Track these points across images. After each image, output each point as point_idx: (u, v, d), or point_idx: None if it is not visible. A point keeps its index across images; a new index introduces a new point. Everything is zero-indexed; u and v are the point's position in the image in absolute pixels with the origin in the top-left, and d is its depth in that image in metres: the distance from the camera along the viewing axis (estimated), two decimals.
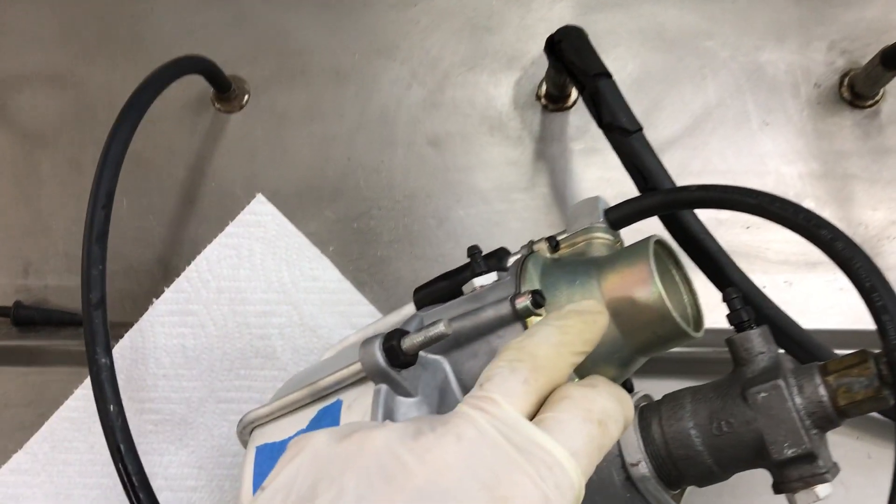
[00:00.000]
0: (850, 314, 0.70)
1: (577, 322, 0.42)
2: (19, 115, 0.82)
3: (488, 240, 0.75)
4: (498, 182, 0.76)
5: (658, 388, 0.61)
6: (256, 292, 0.71)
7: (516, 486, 0.34)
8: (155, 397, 0.72)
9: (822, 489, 0.44)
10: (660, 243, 0.50)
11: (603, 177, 0.75)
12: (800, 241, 0.73)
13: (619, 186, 0.74)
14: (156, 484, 0.71)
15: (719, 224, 0.73)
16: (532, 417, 0.38)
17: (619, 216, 0.55)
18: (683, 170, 0.74)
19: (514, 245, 0.75)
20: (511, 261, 0.58)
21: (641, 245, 0.49)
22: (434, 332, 0.46)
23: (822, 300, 0.71)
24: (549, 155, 0.76)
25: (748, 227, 0.73)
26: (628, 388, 0.55)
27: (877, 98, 0.74)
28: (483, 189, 0.76)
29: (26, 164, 0.80)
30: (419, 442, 0.36)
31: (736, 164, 0.74)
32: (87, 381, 0.72)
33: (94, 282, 0.57)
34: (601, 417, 0.37)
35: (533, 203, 0.75)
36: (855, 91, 0.74)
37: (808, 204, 0.73)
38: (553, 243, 0.54)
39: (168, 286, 0.73)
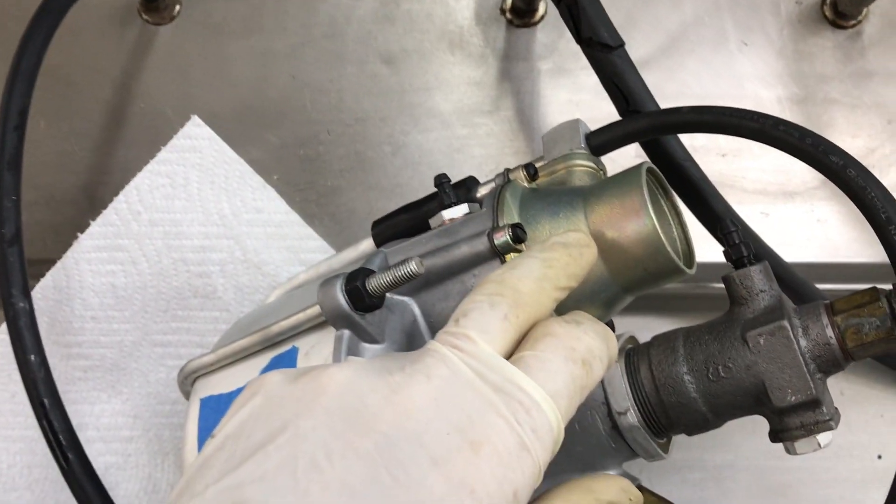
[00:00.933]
0: (828, 246, 0.67)
1: (562, 255, 0.38)
2: None
3: (449, 168, 0.69)
4: (459, 104, 0.70)
5: (638, 326, 0.58)
6: (193, 225, 0.65)
7: (491, 428, 0.31)
8: (83, 341, 0.66)
9: (823, 437, 0.41)
10: (650, 171, 0.45)
11: (573, 99, 0.70)
12: (777, 170, 0.70)
13: (590, 110, 0.69)
14: (87, 435, 0.66)
15: (693, 151, 0.68)
16: (510, 356, 0.35)
17: (603, 141, 0.50)
18: (658, 92, 0.68)
19: (477, 174, 0.69)
20: (482, 191, 0.53)
21: (632, 173, 0.44)
22: (404, 272, 0.41)
23: (799, 232, 0.68)
24: (514, 75, 0.70)
25: (724, 155, 0.69)
26: (610, 328, 0.50)
27: (860, 18, 0.70)
28: (443, 112, 0.70)
29: None
30: (385, 381, 0.32)
31: (712, 86, 0.70)
32: (5, 326, 0.64)
33: (8, 214, 0.50)
34: (585, 356, 0.35)
35: (497, 128, 0.70)
36: (838, 10, 0.70)
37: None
38: (531, 171, 0.49)
39: (94, 218, 0.66)
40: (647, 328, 0.63)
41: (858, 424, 0.66)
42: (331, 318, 0.42)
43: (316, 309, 0.44)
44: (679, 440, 0.47)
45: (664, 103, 0.68)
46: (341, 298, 0.42)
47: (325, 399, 0.32)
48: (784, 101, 0.70)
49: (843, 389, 0.67)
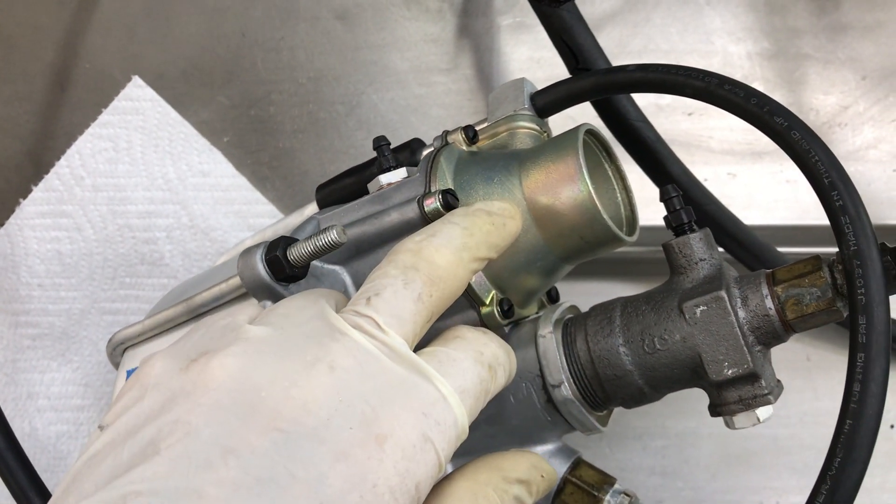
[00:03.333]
0: (796, 208, 0.65)
1: (484, 223, 0.37)
2: None
3: (405, 129, 0.67)
4: (415, 62, 0.67)
5: (587, 291, 0.56)
6: (138, 190, 0.63)
7: (396, 421, 0.30)
8: (31, 309, 0.64)
9: (763, 411, 0.39)
10: (591, 133, 0.43)
11: (533, 56, 0.67)
12: (745, 130, 0.67)
13: (551, 68, 0.66)
14: (38, 404, 0.65)
15: (659, 110, 0.66)
16: (418, 340, 0.34)
17: (547, 102, 0.47)
18: (622, 49, 0.67)
19: (434, 134, 0.67)
20: (424, 152, 0.51)
21: (569, 135, 0.42)
22: (325, 241, 0.39)
23: (767, 193, 0.66)
24: (473, 31, 0.67)
25: (690, 114, 0.67)
26: (553, 297, 0.49)
27: None
28: (399, 70, 0.67)
29: None
30: (283, 370, 0.31)
31: (679, 42, 0.67)
32: None
33: None
34: (492, 362, 0.35)
35: (455, 86, 0.67)
36: None
37: (758, 86, 0.66)
38: (470, 134, 0.46)
39: (38, 185, 0.64)
40: (596, 293, 0.61)
41: (825, 391, 0.65)
42: (252, 289, 0.41)
43: (237, 279, 0.42)
44: (642, 407, 0.46)
45: (628, 59, 0.66)
46: (261, 269, 0.40)
47: (217, 393, 0.30)
48: (754, 57, 0.67)
49: (809, 355, 0.65)
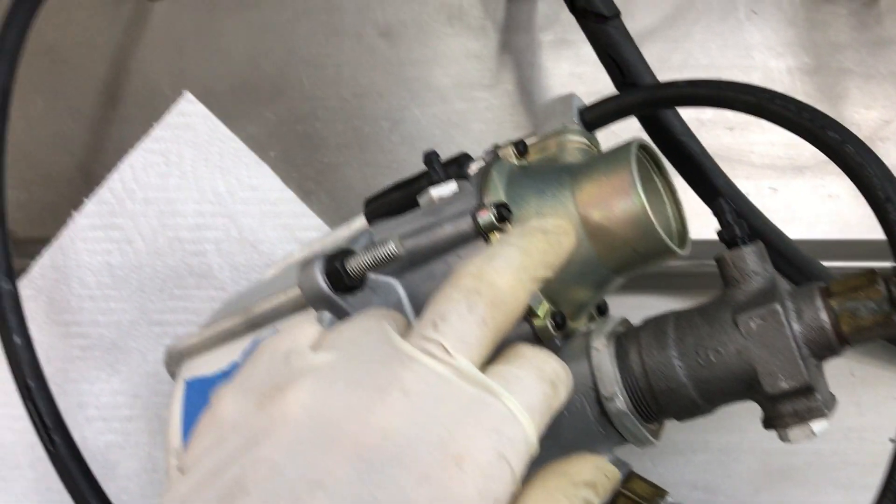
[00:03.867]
0: (839, 223, 0.65)
1: (541, 242, 0.38)
2: None
3: (447, 143, 0.68)
4: (458, 78, 0.68)
5: (634, 305, 0.56)
6: (188, 203, 0.64)
7: (471, 441, 0.31)
8: (81, 320, 0.66)
9: (817, 424, 0.39)
10: (643, 147, 0.44)
11: (575, 72, 0.68)
12: (787, 144, 0.68)
13: (593, 83, 0.67)
14: (87, 413, 0.66)
15: (700, 125, 0.67)
16: (485, 362, 0.35)
17: (596, 116, 0.48)
18: (662, 64, 0.67)
19: (477, 150, 0.67)
20: (474, 168, 0.51)
21: (621, 150, 0.43)
22: (383, 252, 0.40)
23: (809, 208, 0.65)
24: (514, 47, 0.68)
25: (731, 129, 0.67)
26: (602, 309, 0.49)
27: None
28: (441, 86, 0.68)
29: None
30: (358, 399, 0.31)
31: (720, 57, 0.67)
32: None
33: None
34: (553, 378, 0.35)
35: (497, 102, 0.68)
36: None
37: None
38: (521, 148, 0.47)
39: (90, 197, 0.65)
40: (644, 307, 0.61)
41: (869, 406, 0.64)
42: (311, 300, 0.41)
43: (296, 290, 0.43)
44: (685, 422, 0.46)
45: (669, 75, 0.66)
46: (321, 280, 0.41)
47: (297, 428, 0.31)
48: (795, 72, 0.67)
49: (853, 370, 0.65)
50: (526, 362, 0.35)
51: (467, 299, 0.34)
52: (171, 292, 0.65)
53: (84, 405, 0.66)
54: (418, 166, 0.68)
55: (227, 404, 0.33)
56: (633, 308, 0.52)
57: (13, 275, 0.50)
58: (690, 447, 0.64)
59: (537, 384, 0.34)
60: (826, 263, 0.61)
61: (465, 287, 0.35)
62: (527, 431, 0.32)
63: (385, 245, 0.40)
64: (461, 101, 0.68)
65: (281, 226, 0.64)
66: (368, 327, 0.35)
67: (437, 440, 0.30)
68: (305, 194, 0.67)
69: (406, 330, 0.37)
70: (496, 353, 0.37)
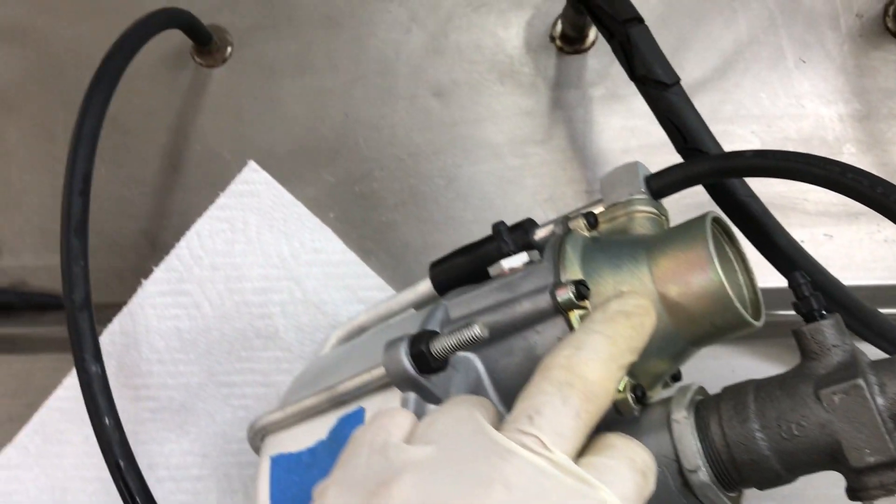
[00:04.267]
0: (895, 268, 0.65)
1: (625, 328, 0.39)
2: None
3: (501, 199, 0.69)
4: (510, 135, 0.70)
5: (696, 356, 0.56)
6: (254, 268, 0.66)
7: None
8: (151, 384, 0.67)
9: None
10: (716, 220, 0.44)
11: (626, 125, 0.69)
12: None
13: (644, 136, 0.68)
14: (158, 474, 0.67)
15: None
16: (579, 457, 0.36)
17: (663, 184, 0.49)
18: (714, 115, 0.68)
19: (531, 204, 0.69)
20: (539, 233, 0.52)
21: (696, 224, 0.43)
22: (468, 336, 0.41)
23: (865, 253, 0.66)
24: (566, 103, 0.69)
25: None
26: (676, 376, 0.50)
27: None
28: (494, 143, 0.70)
29: None
30: (462, 492, 0.32)
31: (771, 107, 0.68)
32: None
33: (77, 279, 0.51)
34: (643, 468, 0.36)
35: (550, 157, 0.69)
36: None
37: (850, 148, 0.67)
38: (591, 220, 0.48)
39: (156, 263, 0.67)
40: (706, 356, 0.62)
41: None
42: (396, 382, 0.42)
43: (381, 370, 0.44)
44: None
45: (721, 125, 0.67)
46: (406, 362, 0.42)
47: None
48: (846, 119, 0.68)
49: None
50: (618, 453, 0.36)
51: (561, 392, 0.35)
52: (238, 354, 0.66)
53: (154, 466, 0.67)
54: (474, 222, 0.69)
55: (333, 500, 0.34)
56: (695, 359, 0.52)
57: (101, 357, 0.52)
58: (754, 493, 0.65)
59: (630, 474, 0.35)
60: (884, 311, 0.61)
61: (557, 380, 0.36)
62: None
63: (470, 329, 0.41)
64: (514, 158, 0.69)
65: (344, 287, 0.66)
66: (461, 417, 0.36)
67: None
68: (365, 253, 0.68)
69: (496, 418, 0.38)
70: (588, 443, 0.38)
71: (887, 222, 0.66)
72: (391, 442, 0.36)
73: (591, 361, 0.36)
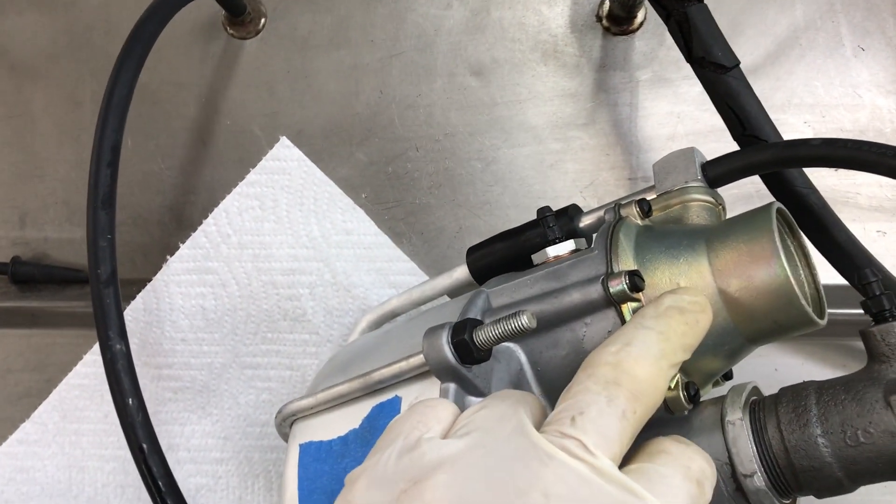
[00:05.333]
0: None
1: (678, 324, 0.36)
2: (5, 43, 0.72)
3: (541, 184, 0.67)
4: (552, 117, 0.67)
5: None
6: (283, 248, 0.63)
7: None
8: (173, 363, 0.65)
9: None
10: (780, 212, 0.42)
11: (673, 111, 0.66)
12: (895, 185, 0.66)
13: (692, 123, 0.65)
14: (178, 455, 0.66)
15: None
16: (627, 463, 0.34)
17: (721, 172, 0.46)
18: (765, 102, 0.63)
19: (572, 190, 0.67)
20: (585, 220, 0.50)
21: (761, 215, 0.41)
22: (515, 326, 0.39)
23: None
24: (611, 86, 0.67)
25: (837, 170, 0.65)
26: (727, 374, 0.47)
27: None
28: (535, 125, 0.67)
29: (16, 100, 0.71)
30: (497, 498, 0.30)
31: (825, 96, 0.65)
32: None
33: (103, 254, 0.49)
34: (699, 477, 0.34)
35: (592, 142, 0.66)
36: None
37: None
38: (644, 207, 0.46)
39: (183, 239, 0.65)
40: (752, 353, 0.59)
41: None
42: (436, 371, 0.40)
43: (419, 358, 0.42)
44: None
45: (772, 113, 0.64)
46: (448, 352, 0.40)
47: None
48: None
49: None
50: (672, 460, 0.34)
51: (607, 391, 0.33)
52: (264, 336, 0.64)
53: (174, 447, 0.66)
54: (511, 207, 0.67)
55: (362, 493, 0.33)
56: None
57: (125, 334, 0.50)
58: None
59: (683, 484, 0.33)
60: None
61: (604, 378, 0.34)
62: None
63: (518, 319, 0.38)
64: (555, 141, 0.67)
65: (375, 270, 0.63)
66: (504, 414, 0.34)
67: None
68: (397, 236, 0.66)
69: (541, 416, 0.35)
70: (639, 447, 0.35)
71: None
72: (427, 436, 0.34)
73: (641, 359, 0.34)
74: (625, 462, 0.34)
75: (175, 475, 0.65)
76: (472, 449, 0.32)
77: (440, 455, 0.32)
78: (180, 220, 0.68)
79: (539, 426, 0.34)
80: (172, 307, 0.65)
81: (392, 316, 0.58)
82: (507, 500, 0.30)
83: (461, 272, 0.55)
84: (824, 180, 0.65)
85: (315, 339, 0.64)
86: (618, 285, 0.40)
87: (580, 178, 0.66)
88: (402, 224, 0.67)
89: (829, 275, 0.51)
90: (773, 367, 0.63)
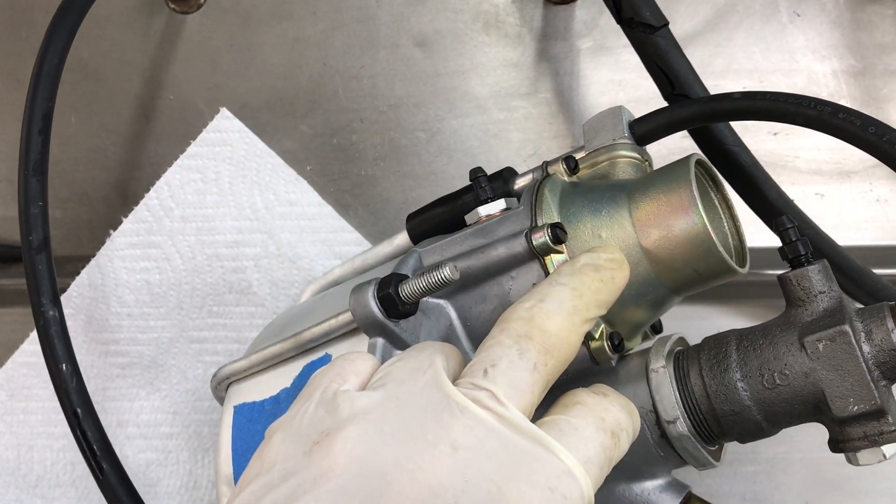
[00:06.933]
0: (888, 228, 0.64)
1: (593, 280, 0.37)
2: None
3: (486, 154, 0.67)
4: (495, 87, 0.67)
5: (684, 316, 0.55)
6: (226, 220, 0.63)
7: (522, 498, 0.30)
8: (120, 338, 0.65)
9: (889, 448, 0.38)
10: (700, 163, 0.42)
11: (615, 79, 0.66)
12: (833, 149, 0.66)
13: (633, 90, 0.66)
14: (128, 431, 0.66)
15: (744, 130, 0.64)
16: (540, 416, 0.34)
17: (648, 130, 0.47)
18: (705, 69, 0.65)
19: (516, 159, 0.67)
20: (520, 182, 0.50)
21: (680, 166, 0.41)
22: (438, 278, 0.39)
23: (856, 213, 0.64)
24: (552, 55, 0.67)
25: (775, 134, 0.66)
26: (656, 327, 0.48)
27: None
28: (479, 96, 0.67)
29: None
30: (406, 451, 0.31)
31: (763, 61, 0.66)
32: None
33: (35, 221, 0.49)
34: (614, 428, 0.35)
35: (535, 111, 0.67)
36: None
37: (844, 104, 0.65)
38: (571, 164, 0.46)
39: (126, 215, 0.65)
40: (694, 317, 0.60)
41: None
42: (363, 326, 0.41)
43: (348, 315, 0.42)
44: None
45: (711, 80, 0.65)
46: (374, 306, 0.40)
47: (343, 478, 0.30)
48: (840, 75, 0.66)
49: None
50: (586, 411, 0.34)
51: (518, 345, 0.34)
52: (210, 309, 0.64)
53: (124, 423, 0.66)
54: (456, 177, 0.67)
55: (277, 446, 0.33)
56: (683, 318, 0.51)
57: (59, 300, 0.50)
58: (738, 458, 0.63)
59: (596, 435, 0.34)
60: (877, 271, 0.59)
61: (516, 332, 0.34)
62: (582, 487, 0.31)
63: (440, 271, 0.39)
64: (499, 111, 0.67)
65: (320, 241, 0.64)
66: (419, 366, 0.35)
67: (485, 497, 0.29)
68: (343, 208, 0.66)
69: (460, 366, 0.36)
70: (556, 399, 0.36)
71: (879, 181, 0.65)
72: (343, 388, 0.34)
73: (554, 314, 0.35)
74: (541, 415, 0.35)
75: (125, 451, 0.65)
76: (386, 401, 0.33)
77: (353, 408, 0.33)
78: (125, 195, 0.68)
79: (455, 378, 0.34)
80: (117, 282, 0.64)
81: (335, 285, 0.59)
82: (415, 453, 0.30)
83: (402, 238, 0.55)
84: (764, 144, 0.66)
85: (261, 311, 0.64)
86: (540, 237, 0.41)
87: (524, 146, 0.67)
88: (348, 196, 0.67)
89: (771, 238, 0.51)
90: (717, 329, 0.64)
